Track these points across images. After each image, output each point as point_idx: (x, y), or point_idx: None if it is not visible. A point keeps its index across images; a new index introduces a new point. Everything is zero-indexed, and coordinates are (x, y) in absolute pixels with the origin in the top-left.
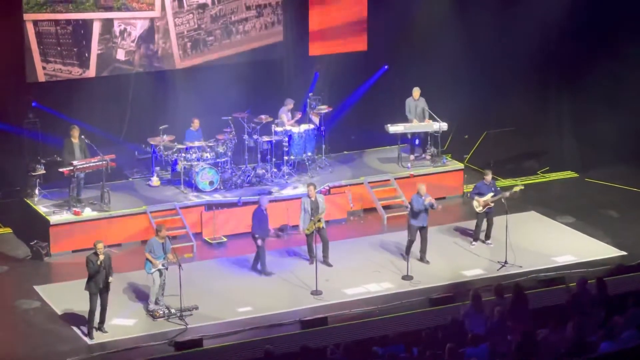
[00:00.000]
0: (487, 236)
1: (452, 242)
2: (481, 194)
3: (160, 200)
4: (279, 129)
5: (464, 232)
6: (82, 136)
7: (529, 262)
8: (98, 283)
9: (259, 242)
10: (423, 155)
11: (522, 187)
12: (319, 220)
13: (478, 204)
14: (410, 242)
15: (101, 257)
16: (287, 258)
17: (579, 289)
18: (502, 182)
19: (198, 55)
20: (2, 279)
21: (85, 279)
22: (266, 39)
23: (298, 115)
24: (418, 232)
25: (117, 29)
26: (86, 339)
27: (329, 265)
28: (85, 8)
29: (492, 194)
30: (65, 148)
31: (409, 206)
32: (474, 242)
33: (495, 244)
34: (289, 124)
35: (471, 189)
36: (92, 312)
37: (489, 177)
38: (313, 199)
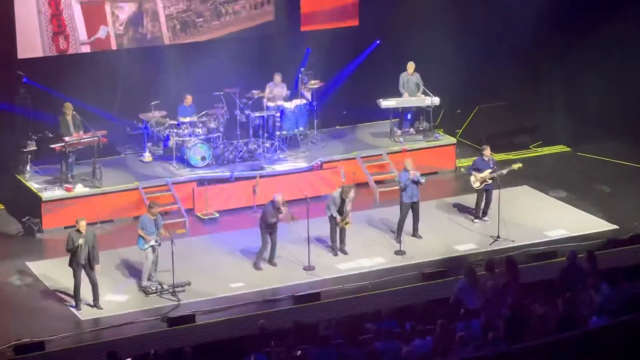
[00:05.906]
0: (484, 213)
1: (444, 217)
2: (479, 170)
3: (152, 176)
4: (270, 103)
5: (462, 208)
6: (74, 112)
7: (521, 236)
8: (79, 260)
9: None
10: (409, 130)
11: (521, 166)
12: (346, 223)
13: (475, 179)
14: (402, 222)
15: (81, 235)
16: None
17: (569, 263)
18: (496, 157)
19: (187, 38)
20: None
21: None
22: (257, 18)
23: (283, 90)
24: (410, 210)
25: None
26: (78, 315)
27: (345, 253)
28: None
29: (489, 170)
30: (61, 125)
31: (400, 183)
32: (475, 220)
33: (488, 219)
34: (265, 94)
35: (463, 164)
36: (77, 287)
37: (487, 152)
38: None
